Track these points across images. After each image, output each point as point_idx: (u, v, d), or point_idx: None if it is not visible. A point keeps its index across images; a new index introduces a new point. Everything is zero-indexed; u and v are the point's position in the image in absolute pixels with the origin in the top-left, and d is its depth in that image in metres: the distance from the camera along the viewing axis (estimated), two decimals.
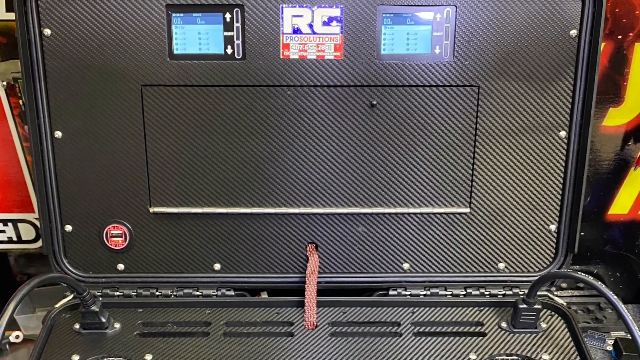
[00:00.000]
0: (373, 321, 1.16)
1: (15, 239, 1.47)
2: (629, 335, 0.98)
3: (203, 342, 1.11)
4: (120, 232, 1.21)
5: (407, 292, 1.22)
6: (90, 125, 1.15)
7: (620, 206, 1.41)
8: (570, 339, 1.11)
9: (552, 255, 1.22)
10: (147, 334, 1.14)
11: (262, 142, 1.16)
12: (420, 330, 1.14)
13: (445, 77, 1.13)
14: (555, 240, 1.21)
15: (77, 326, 1.14)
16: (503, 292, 1.21)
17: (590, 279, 1.01)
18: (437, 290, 1.22)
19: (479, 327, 1.14)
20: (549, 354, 1.08)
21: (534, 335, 1.12)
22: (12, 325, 1.45)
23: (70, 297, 1.19)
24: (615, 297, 0.98)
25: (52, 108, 1.14)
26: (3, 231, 1.46)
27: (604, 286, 1.00)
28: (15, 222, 1.45)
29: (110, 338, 1.12)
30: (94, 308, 1.11)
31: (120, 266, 1.23)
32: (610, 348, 1.33)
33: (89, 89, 1.14)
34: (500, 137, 1.16)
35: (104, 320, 1.13)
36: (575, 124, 1.15)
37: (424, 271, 1.23)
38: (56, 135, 1.16)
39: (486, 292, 1.21)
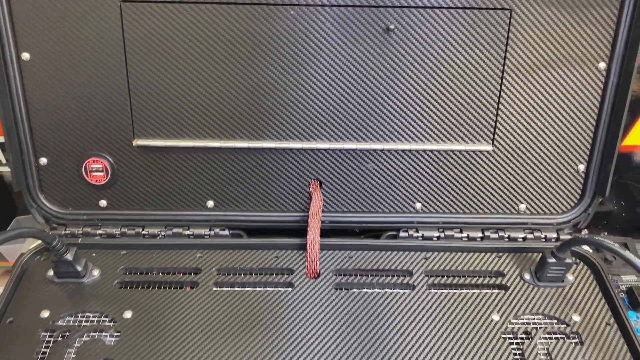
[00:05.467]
0: (382, 269, 1.05)
1: (4, 161, 1.36)
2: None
3: (190, 296, 1.00)
4: (100, 166, 1.08)
5: (419, 234, 1.12)
6: (62, 47, 1.00)
7: None
8: (600, 294, 1.02)
9: (578, 197, 1.11)
10: (128, 284, 1.03)
11: (260, 69, 1.02)
12: (435, 281, 1.04)
13: None
14: (582, 181, 1.10)
15: (50, 273, 1.03)
16: (523, 236, 1.12)
17: (625, 252, 0.88)
18: (452, 233, 1.12)
19: (500, 279, 1.04)
20: (579, 314, 0.98)
21: (560, 289, 1.02)
22: None
23: None
24: None
25: (17, 26, 0.99)
26: None
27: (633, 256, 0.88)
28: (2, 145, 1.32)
29: (86, 289, 1.01)
30: (68, 257, 0.99)
31: (103, 202, 1.11)
32: (623, 295, 1.24)
33: (60, 5, 0.98)
34: (531, 69, 1.02)
35: (79, 268, 1.01)
36: (618, 54, 1.01)
37: (438, 211, 1.13)
38: (23, 58, 1.00)
39: (505, 236, 1.12)
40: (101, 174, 1.08)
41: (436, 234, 1.12)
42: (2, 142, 1.30)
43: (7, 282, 1.01)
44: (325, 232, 1.10)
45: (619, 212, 1.43)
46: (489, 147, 1.07)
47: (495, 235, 1.12)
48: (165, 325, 0.95)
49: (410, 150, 1.07)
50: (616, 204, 1.41)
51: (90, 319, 0.96)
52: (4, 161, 1.35)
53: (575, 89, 1.04)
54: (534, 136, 1.07)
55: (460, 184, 1.11)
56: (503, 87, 1.04)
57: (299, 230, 1.11)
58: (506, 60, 1.02)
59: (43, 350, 0.91)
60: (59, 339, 0.93)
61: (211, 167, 1.09)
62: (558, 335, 0.96)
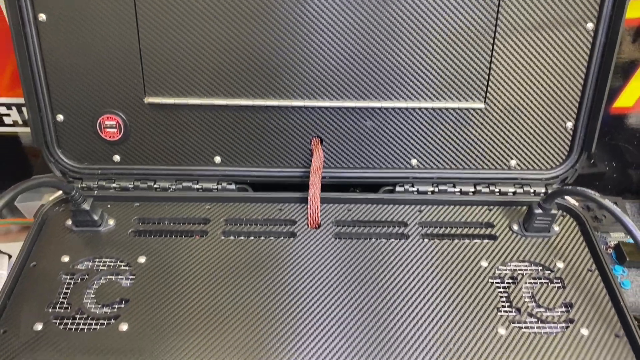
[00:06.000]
0: (379, 220, 1.12)
1: (20, 122, 1.41)
2: (628, 238, 0.91)
3: (200, 243, 1.07)
4: (114, 122, 1.14)
5: (414, 189, 1.18)
6: (76, 8, 1.06)
7: None
8: (584, 243, 1.08)
9: (566, 154, 1.17)
10: (142, 232, 1.10)
11: (264, 28, 1.07)
12: (428, 231, 1.10)
13: None
14: (570, 138, 1.16)
15: (69, 222, 1.10)
16: (514, 190, 1.18)
17: (605, 201, 0.95)
18: (446, 188, 1.18)
19: (490, 229, 1.10)
20: (563, 261, 1.05)
21: (546, 239, 1.08)
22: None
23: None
24: (631, 223, 0.92)
25: None
26: (8, 115, 1.39)
27: (617, 208, 0.94)
28: (19, 106, 1.38)
29: (103, 237, 1.08)
30: (85, 206, 1.06)
31: (117, 157, 1.18)
32: (611, 251, 1.30)
33: None
34: (522, 29, 1.07)
35: (96, 218, 1.08)
36: (605, 15, 1.06)
37: (433, 167, 1.19)
38: (40, 19, 1.06)
39: (496, 190, 1.18)
40: (115, 130, 1.15)
41: (430, 188, 1.18)
42: (19, 102, 1.36)
43: (27, 232, 1.08)
44: (325, 189, 1.15)
45: (610, 174, 1.48)
46: (481, 105, 1.13)
47: (487, 190, 1.18)
48: (177, 269, 1.02)
49: (406, 108, 1.13)
50: (608, 165, 1.47)
51: (107, 263, 1.03)
52: (20, 122, 1.40)
53: (564, 49, 1.09)
54: (524, 94, 1.12)
55: (454, 141, 1.16)
56: (495, 47, 1.09)
57: (302, 185, 1.17)
58: (498, 21, 1.07)
59: (64, 290, 0.99)
60: (79, 281, 1.00)
61: (218, 124, 1.15)
62: (542, 280, 1.02)
